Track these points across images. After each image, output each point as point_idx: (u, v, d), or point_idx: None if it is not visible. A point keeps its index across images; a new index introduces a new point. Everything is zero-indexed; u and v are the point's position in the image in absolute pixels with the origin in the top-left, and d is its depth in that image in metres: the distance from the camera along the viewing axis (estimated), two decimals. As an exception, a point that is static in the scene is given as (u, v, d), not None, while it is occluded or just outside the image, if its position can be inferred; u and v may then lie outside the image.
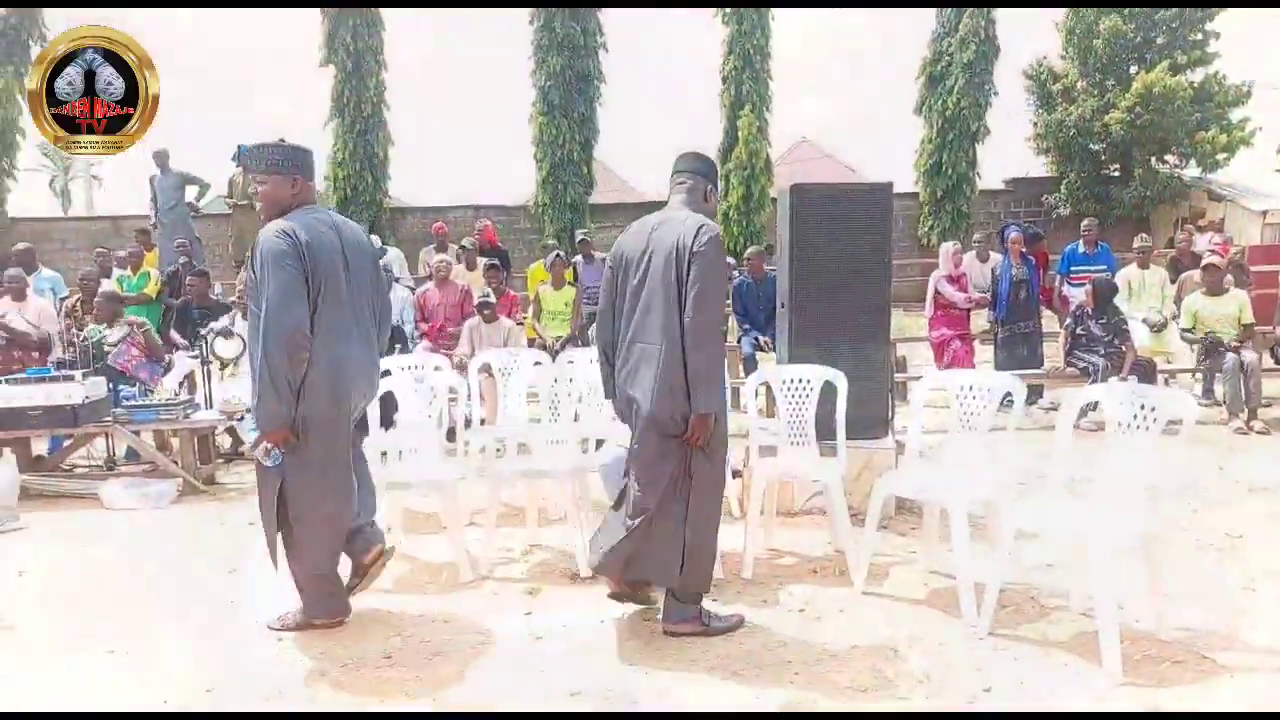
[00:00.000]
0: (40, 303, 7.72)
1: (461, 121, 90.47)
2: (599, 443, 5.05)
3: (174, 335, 8.27)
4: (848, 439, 4.33)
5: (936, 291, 8.59)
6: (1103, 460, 3.70)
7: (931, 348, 8.85)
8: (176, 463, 6.04)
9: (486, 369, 5.85)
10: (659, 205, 3.67)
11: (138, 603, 4.12)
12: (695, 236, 3.30)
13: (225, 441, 7.27)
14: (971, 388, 4.10)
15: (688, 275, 3.27)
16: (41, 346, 7.06)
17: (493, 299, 7.46)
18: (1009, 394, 4.06)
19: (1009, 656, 3.34)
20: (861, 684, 3.15)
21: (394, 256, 11.45)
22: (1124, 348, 7.57)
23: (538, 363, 5.56)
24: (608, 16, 17.42)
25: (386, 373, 4.31)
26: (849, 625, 3.64)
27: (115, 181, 48.92)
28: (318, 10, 16.80)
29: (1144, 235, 9.94)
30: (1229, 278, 8.13)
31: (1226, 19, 17.72)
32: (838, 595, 3.94)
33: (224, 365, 7.47)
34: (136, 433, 6.17)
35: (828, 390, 4.37)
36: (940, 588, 4.02)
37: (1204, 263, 7.96)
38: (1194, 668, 3.23)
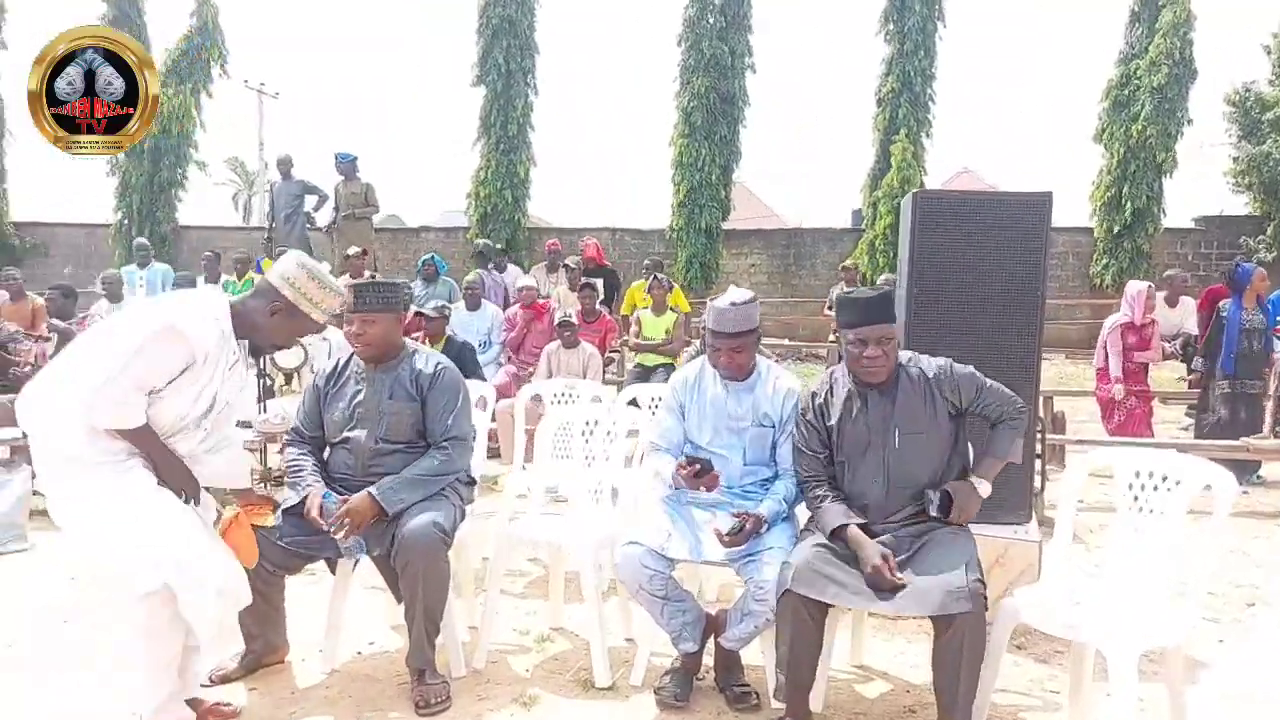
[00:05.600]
0: None
1: (605, 143, 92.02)
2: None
3: None
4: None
5: (1107, 343, 7.11)
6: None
7: (1099, 404, 7.41)
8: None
9: (538, 399, 4.99)
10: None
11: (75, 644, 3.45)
12: None
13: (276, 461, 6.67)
14: (1150, 475, 2.89)
15: None
16: None
17: (573, 320, 6.62)
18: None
19: None
20: None
21: (513, 272, 10.92)
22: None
23: (597, 397, 4.64)
24: (758, 38, 16.63)
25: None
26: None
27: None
28: (473, 31, 16.78)
29: (1380, 283, 8.15)
30: None
31: None
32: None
33: (288, 379, 6.98)
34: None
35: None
36: (1092, 756, 2.83)
37: None
38: None
